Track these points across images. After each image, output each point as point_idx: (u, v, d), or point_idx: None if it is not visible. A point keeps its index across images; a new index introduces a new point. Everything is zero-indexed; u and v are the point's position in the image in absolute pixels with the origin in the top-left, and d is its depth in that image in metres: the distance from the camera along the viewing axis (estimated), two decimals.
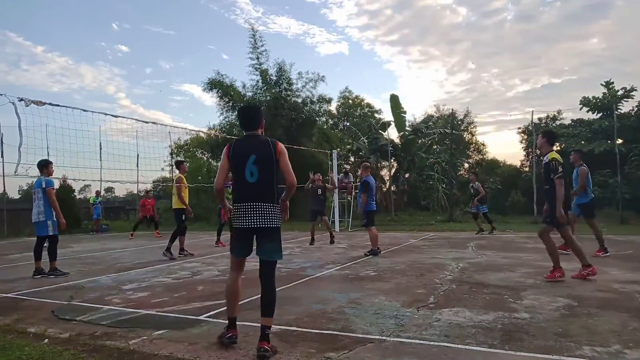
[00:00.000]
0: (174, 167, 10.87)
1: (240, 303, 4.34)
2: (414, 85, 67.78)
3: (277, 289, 3.51)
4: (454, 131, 25.28)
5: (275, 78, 22.42)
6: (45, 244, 7.19)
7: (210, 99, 74.11)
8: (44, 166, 7.13)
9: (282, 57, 41.46)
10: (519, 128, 25.19)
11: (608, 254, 7.38)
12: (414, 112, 64.10)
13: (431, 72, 67.13)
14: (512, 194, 20.43)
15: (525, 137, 24.80)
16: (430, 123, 26.49)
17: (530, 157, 23.97)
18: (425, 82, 68.83)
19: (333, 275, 6.44)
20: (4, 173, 16.08)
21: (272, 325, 3.32)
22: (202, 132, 21.33)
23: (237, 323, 3.50)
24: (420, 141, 24.17)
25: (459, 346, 3.18)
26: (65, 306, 4.88)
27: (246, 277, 6.33)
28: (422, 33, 66.51)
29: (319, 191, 10.95)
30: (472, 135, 31.58)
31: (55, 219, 7.00)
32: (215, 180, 3.52)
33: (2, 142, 15.56)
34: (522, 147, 25.98)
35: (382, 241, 10.89)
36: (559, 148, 20.52)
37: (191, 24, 76.49)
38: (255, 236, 3.45)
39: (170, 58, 76.79)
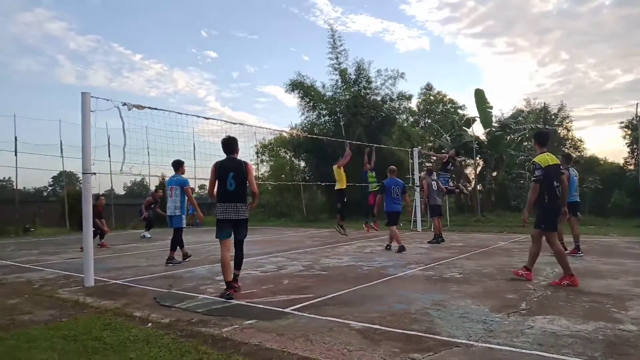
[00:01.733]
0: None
1: (322, 299, 4.87)
2: (501, 79, 64.37)
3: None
4: (546, 126, 23.57)
5: (354, 77, 22.43)
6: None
7: (292, 100, 75.99)
8: (180, 165, 7.95)
9: (361, 55, 41.26)
10: (622, 122, 22.97)
11: (581, 254, 7.82)
12: (502, 107, 60.81)
13: (520, 64, 63.34)
14: (614, 194, 18.61)
15: (629, 132, 22.46)
16: (520, 118, 24.91)
17: (635, 154, 21.70)
18: (514, 75, 65.10)
19: (416, 275, 6.34)
20: (111, 171, 17.81)
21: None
22: (285, 131, 22.00)
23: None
24: (508, 137, 22.82)
25: (554, 356, 2.99)
26: (166, 294, 5.33)
27: (327, 275, 6.48)
28: (508, 23, 62.87)
29: (434, 185, 10.83)
30: (568, 130, 29.40)
31: (186, 214, 7.89)
32: (208, 189, 5.48)
33: (109, 144, 17.24)
34: (626, 143, 23.59)
35: (468, 242, 10.52)
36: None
37: (274, 28, 79.19)
38: (232, 224, 5.13)
39: (255, 61, 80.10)
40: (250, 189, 5.31)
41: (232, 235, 5.20)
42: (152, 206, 14.13)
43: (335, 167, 10.84)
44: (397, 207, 9.33)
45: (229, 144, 5.32)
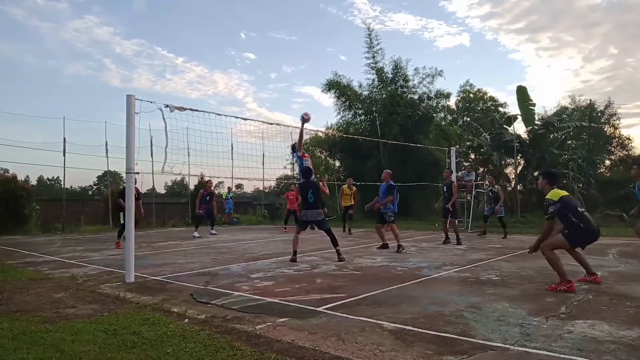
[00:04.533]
0: None
1: (354, 299, 4.89)
2: (545, 75, 62.28)
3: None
4: (592, 124, 22.55)
5: (391, 76, 22.18)
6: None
7: (328, 100, 75.97)
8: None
9: (398, 54, 40.52)
10: None
11: None
12: (545, 105, 58.83)
13: (564, 60, 61.08)
14: None
15: None
16: (564, 116, 23.94)
17: None
18: (558, 71, 62.89)
19: (451, 277, 6.23)
20: (153, 171, 18.38)
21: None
22: (321, 131, 22.01)
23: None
24: (551, 136, 21.98)
25: None
26: (202, 290, 5.45)
27: (360, 275, 6.45)
28: (553, 18, 60.55)
29: (445, 188, 10.76)
30: (615, 128, 28.00)
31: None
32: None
33: (151, 144, 17.78)
34: None
35: (508, 244, 10.23)
36: None
37: (311, 29, 79.74)
38: (312, 223, 8.14)
39: (292, 62, 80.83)
40: (323, 194, 8.23)
41: (306, 227, 8.29)
42: (207, 199, 13.76)
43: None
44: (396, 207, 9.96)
45: (306, 173, 8.12)
